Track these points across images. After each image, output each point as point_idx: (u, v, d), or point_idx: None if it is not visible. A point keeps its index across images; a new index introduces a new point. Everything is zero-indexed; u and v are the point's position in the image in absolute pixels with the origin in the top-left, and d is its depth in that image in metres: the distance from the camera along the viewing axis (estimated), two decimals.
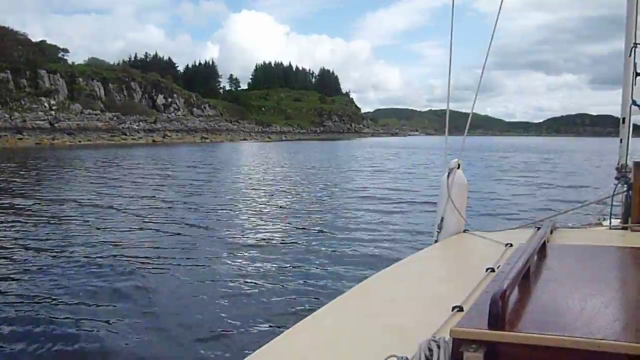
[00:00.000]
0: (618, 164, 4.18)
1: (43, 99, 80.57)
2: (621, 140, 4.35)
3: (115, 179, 24.12)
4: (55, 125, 77.12)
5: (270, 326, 5.80)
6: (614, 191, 3.95)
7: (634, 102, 3.85)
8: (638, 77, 3.73)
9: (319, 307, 1.97)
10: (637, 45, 3.82)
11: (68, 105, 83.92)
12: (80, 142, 73.39)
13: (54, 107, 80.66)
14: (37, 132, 72.32)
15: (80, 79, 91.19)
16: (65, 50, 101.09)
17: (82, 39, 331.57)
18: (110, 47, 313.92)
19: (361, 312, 1.94)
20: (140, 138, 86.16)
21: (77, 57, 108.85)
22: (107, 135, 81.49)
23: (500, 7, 3.73)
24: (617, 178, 4.05)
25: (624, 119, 4.24)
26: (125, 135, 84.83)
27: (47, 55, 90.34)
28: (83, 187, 20.38)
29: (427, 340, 1.40)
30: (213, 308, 6.46)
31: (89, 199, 16.62)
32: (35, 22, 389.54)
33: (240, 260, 8.91)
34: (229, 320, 6.01)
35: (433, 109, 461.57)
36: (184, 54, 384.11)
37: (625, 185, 3.82)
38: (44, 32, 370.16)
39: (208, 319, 6.12)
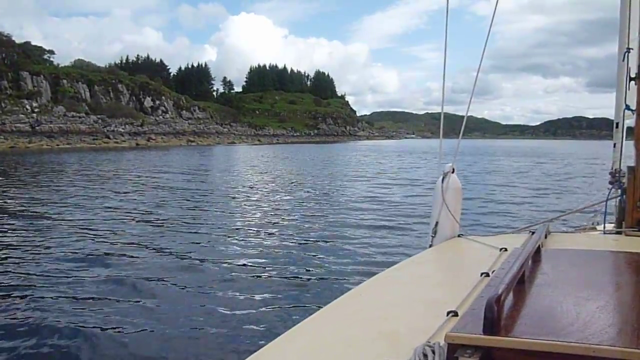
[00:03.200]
0: (612, 169, 4.18)
1: (25, 101, 78.54)
2: (615, 145, 4.36)
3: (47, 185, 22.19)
4: (37, 128, 74.91)
5: (263, 331, 5.77)
6: (608, 195, 3.94)
7: (627, 107, 3.82)
8: (631, 82, 3.62)
9: (313, 312, 1.95)
10: (630, 50, 3.76)
11: (51, 108, 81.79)
12: (58, 145, 70.97)
13: (36, 110, 78.55)
14: (17, 135, 70.09)
15: (65, 81, 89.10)
16: (51, 52, 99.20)
17: (80, 42, 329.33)
18: (108, 50, 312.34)
19: (355, 317, 1.94)
20: (124, 141, 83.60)
21: (73, 60, 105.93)
22: (88, 139, 79.15)
23: (494, 12, 3.74)
24: (611, 182, 4.04)
25: (617, 123, 4.26)
26: (109, 138, 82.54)
27: (31, 56, 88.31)
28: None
29: (422, 345, 1.41)
30: (206, 315, 6.44)
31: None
32: (32, 24, 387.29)
33: (233, 267, 8.81)
34: (222, 326, 6.02)
35: (430, 111, 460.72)
36: (182, 57, 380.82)
37: (619, 190, 3.85)
38: (42, 35, 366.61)
39: (200, 324, 6.09)
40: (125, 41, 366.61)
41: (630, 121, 3.83)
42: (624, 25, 4.02)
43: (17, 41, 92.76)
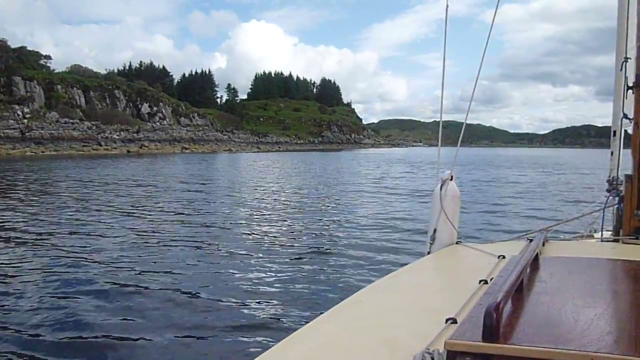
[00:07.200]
0: (609, 177, 4.26)
1: (16, 106, 76.69)
2: (612, 153, 4.49)
3: None
4: (27, 134, 73.04)
5: (263, 338, 5.78)
6: (606, 203, 3.98)
7: (625, 116, 3.89)
8: (629, 91, 3.67)
9: (312, 319, 1.96)
10: (628, 60, 3.82)
11: (44, 114, 79.92)
12: (44, 152, 68.76)
13: (27, 115, 76.73)
14: (3, 142, 67.86)
15: (59, 87, 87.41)
16: (48, 57, 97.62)
17: (91, 49, 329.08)
18: (119, 57, 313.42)
19: (354, 324, 1.94)
20: (115, 148, 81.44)
21: (69, 65, 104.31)
22: (78, 145, 77.05)
23: (493, 21, 3.89)
24: (608, 190, 4.09)
25: (615, 132, 4.43)
26: (99, 145, 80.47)
27: (25, 61, 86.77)
28: None
29: (421, 352, 1.41)
30: (203, 318, 6.56)
31: None
32: (43, 32, 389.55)
33: (231, 273, 8.98)
34: (219, 332, 6.09)
35: (438, 119, 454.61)
36: (193, 65, 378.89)
37: (617, 198, 3.90)
38: (53, 42, 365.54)
39: (201, 327, 6.23)
40: (136, 49, 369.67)
41: (628, 129, 3.82)
42: (622, 34, 4.11)
43: (25, 47, 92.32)
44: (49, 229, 13.22)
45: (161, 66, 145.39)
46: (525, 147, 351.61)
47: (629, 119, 3.72)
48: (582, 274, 2.24)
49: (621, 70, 3.87)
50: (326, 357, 1.64)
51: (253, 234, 13.02)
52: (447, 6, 3.79)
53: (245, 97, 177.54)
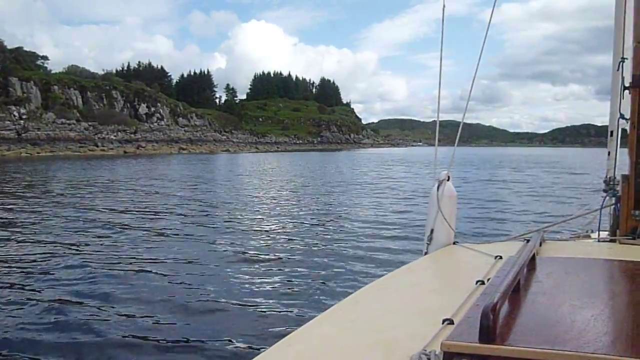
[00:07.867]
0: (606, 177, 4.26)
1: (12, 107, 76.29)
2: (609, 153, 4.42)
3: None
4: (23, 135, 72.53)
5: (259, 340, 5.85)
6: (602, 204, 4.01)
7: (621, 116, 3.89)
8: (626, 91, 3.74)
9: (308, 320, 1.96)
10: (625, 60, 3.84)
11: (40, 115, 79.53)
12: (39, 153, 68.21)
13: (24, 116, 76.33)
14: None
15: (56, 87, 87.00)
16: (45, 58, 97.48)
17: (90, 50, 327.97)
18: (118, 58, 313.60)
19: (351, 325, 1.95)
20: (112, 149, 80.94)
21: (66, 66, 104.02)
22: (75, 146, 76.61)
23: (490, 20, 3.89)
24: (605, 190, 4.11)
25: (612, 132, 4.37)
26: (96, 146, 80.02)
27: (22, 62, 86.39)
28: None
29: (418, 353, 1.42)
30: (200, 321, 6.55)
31: None
32: (42, 33, 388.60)
33: (227, 273, 8.94)
34: (217, 334, 6.11)
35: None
36: (193, 65, 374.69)
37: (614, 198, 3.91)
38: (53, 43, 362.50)
39: (197, 328, 6.26)
40: (136, 49, 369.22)
41: (626, 129, 3.85)
42: (619, 34, 4.09)
43: (22, 48, 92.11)
44: (40, 231, 12.96)
45: (159, 66, 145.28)
46: (525, 146, 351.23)
47: (626, 119, 3.74)
48: (579, 274, 2.23)
49: (618, 70, 3.89)
50: (322, 358, 1.63)
51: (250, 234, 12.95)
52: (444, 6, 3.78)
53: (244, 97, 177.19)
